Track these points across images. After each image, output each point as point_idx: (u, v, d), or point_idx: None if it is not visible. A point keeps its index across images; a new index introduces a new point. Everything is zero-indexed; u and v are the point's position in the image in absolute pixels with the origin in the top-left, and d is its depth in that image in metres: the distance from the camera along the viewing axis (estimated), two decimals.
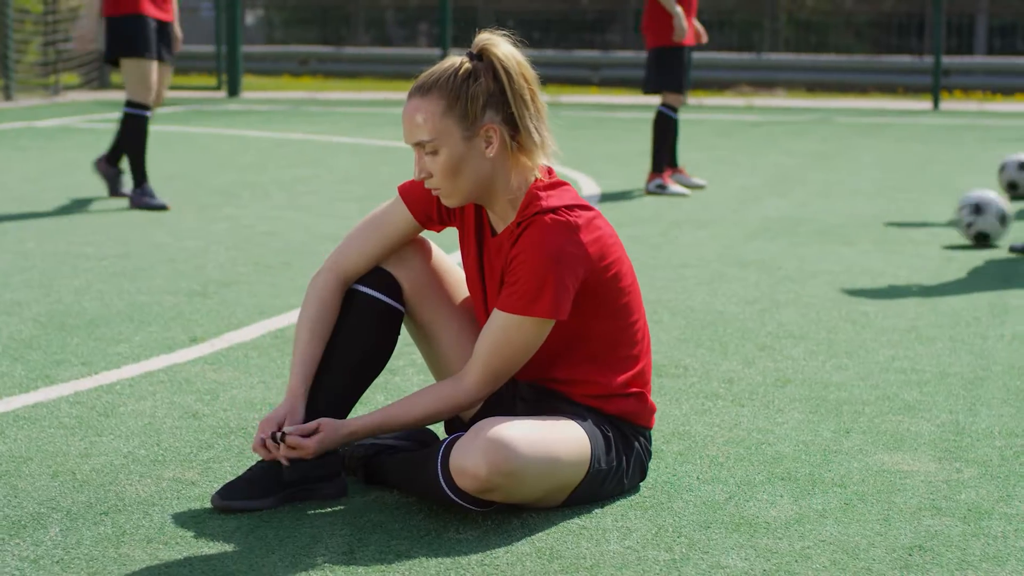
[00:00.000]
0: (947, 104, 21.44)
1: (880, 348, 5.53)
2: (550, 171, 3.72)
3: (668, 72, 10.47)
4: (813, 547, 3.42)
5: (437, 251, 3.87)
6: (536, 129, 3.64)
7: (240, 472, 3.91)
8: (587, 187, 10.74)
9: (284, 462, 3.65)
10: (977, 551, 3.40)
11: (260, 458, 3.70)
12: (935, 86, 21.09)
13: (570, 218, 3.59)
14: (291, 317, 5.99)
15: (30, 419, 4.46)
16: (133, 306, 6.20)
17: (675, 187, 10.60)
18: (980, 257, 7.73)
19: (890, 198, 10.35)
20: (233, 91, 22.15)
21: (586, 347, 3.69)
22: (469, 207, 3.80)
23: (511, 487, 3.46)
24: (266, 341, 5.58)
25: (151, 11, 9.34)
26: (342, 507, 3.68)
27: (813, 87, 26.18)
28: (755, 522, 3.58)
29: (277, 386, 4.89)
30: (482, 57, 3.64)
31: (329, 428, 3.65)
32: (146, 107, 9.38)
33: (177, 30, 9.63)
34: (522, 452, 3.45)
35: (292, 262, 7.35)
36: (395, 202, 3.84)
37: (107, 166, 9.80)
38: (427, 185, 3.67)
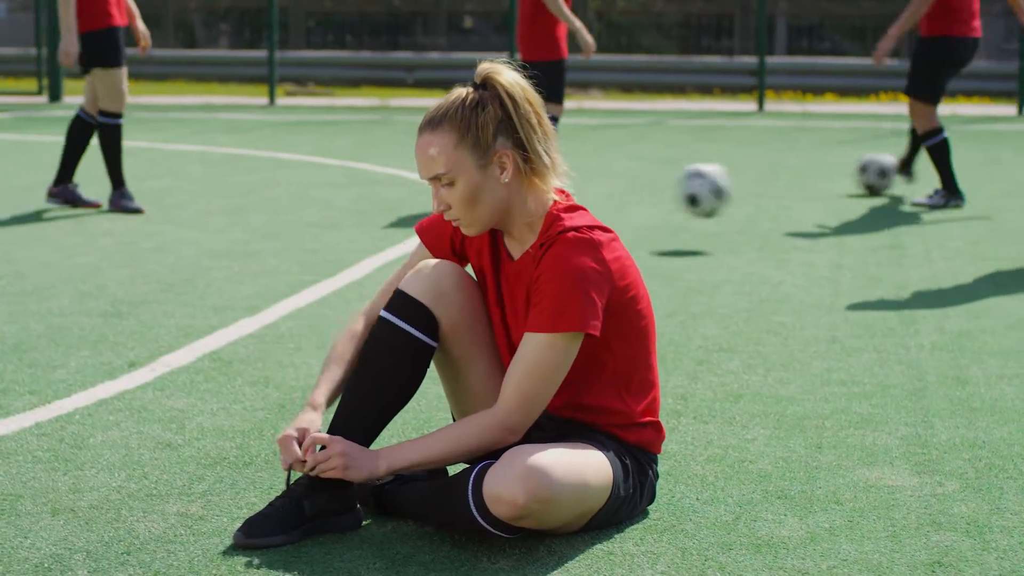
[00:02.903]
0: (770, 105, 21.87)
1: (811, 360, 5.68)
2: (566, 194, 3.78)
3: (554, 84, 10.43)
4: (839, 566, 3.52)
5: (475, 287, 3.88)
6: (546, 151, 3.70)
7: (243, 505, 3.91)
8: None
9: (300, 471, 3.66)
10: (994, 566, 3.53)
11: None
12: (760, 87, 21.53)
13: (592, 236, 3.66)
14: (219, 339, 5.95)
15: (2, 453, 4.38)
16: (52, 329, 6.10)
17: None
18: (870, 263, 7.95)
19: (756, 205, 10.56)
20: (55, 96, 21.69)
21: (609, 371, 3.75)
22: (482, 236, 3.84)
23: (545, 514, 3.51)
24: (205, 364, 5.54)
25: (119, 21, 9.72)
26: (364, 539, 3.69)
27: (629, 87, 26.51)
28: (772, 542, 3.68)
29: (238, 411, 4.86)
30: (486, 86, 3.69)
31: (365, 464, 3.65)
32: (119, 115, 9.74)
33: (139, 25, 10.09)
34: (557, 479, 3.50)
35: (193, 279, 7.29)
36: (418, 246, 3.93)
37: (56, 188, 9.94)
38: (446, 217, 3.71)
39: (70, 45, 9.40)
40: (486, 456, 3.71)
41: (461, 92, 3.70)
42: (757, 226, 9.45)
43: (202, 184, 11.62)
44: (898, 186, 11.55)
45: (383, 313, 3.80)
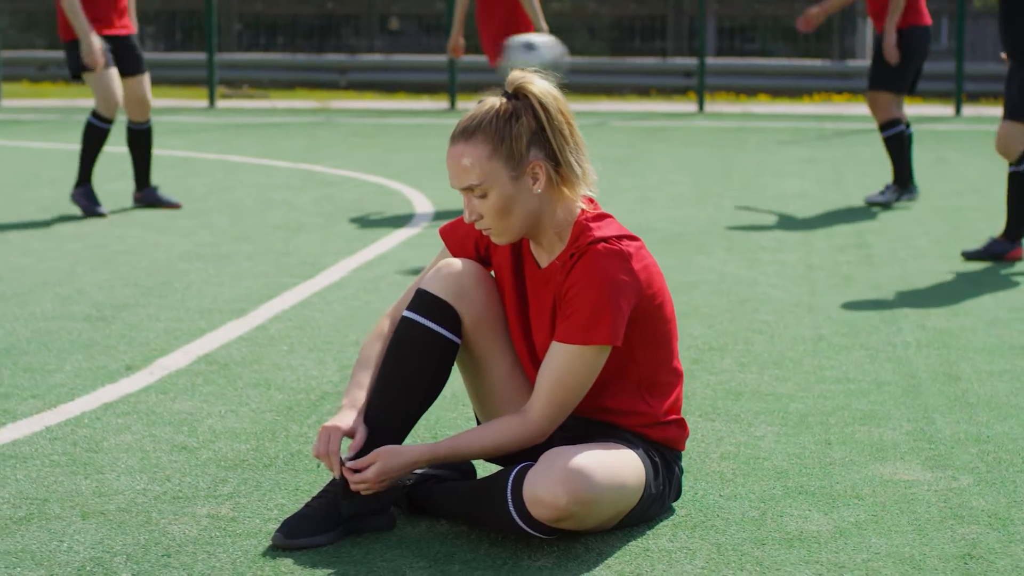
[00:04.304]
0: (707, 106, 22.01)
1: (802, 358, 5.75)
2: (593, 202, 3.82)
3: None
4: (872, 560, 3.58)
5: (494, 286, 3.92)
6: (577, 162, 3.74)
7: (272, 507, 3.94)
8: (421, 205, 10.77)
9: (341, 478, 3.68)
10: (1023, 557, 3.60)
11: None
12: (700, 88, 21.66)
13: (621, 247, 3.70)
14: (210, 342, 5.95)
15: (18, 457, 4.38)
16: (39, 333, 6.08)
17: None
18: (840, 262, 8.04)
19: (715, 204, 10.64)
20: None
21: (633, 374, 3.80)
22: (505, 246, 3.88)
23: (586, 515, 3.56)
24: (202, 367, 5.54)
25: (99, 30, 9.75)
26: (401, 539, 3.72)
27: (564, 89, 26.57)
28: (803, 537, 3.74)
29: (246, 414, 4.88)
30: (518, 95, 3.71)
31: (388, 457, 3.68)
32: (108, 120, 9.83)
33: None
34: (598, 481, 3.55)
35: (170, 282, 7.27)
36: (442, 249, 3.98)
37: (140, 193, 10.35)
38: (478, 226, 3.74)
39: (90, 48, 9.55)
40: (519, 456, 3.75)
41: (494, 102, 3.72)
42: (720, 226, 9.52)
43: (160, 187, 11.54)
44: (851, 184, 11.68)
45: (406, 313, 3.83)
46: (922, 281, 7.47)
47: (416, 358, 3.76)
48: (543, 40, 8.67)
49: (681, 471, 3.95)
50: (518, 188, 3.69)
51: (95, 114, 9.86)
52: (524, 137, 3.68)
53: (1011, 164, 8.00)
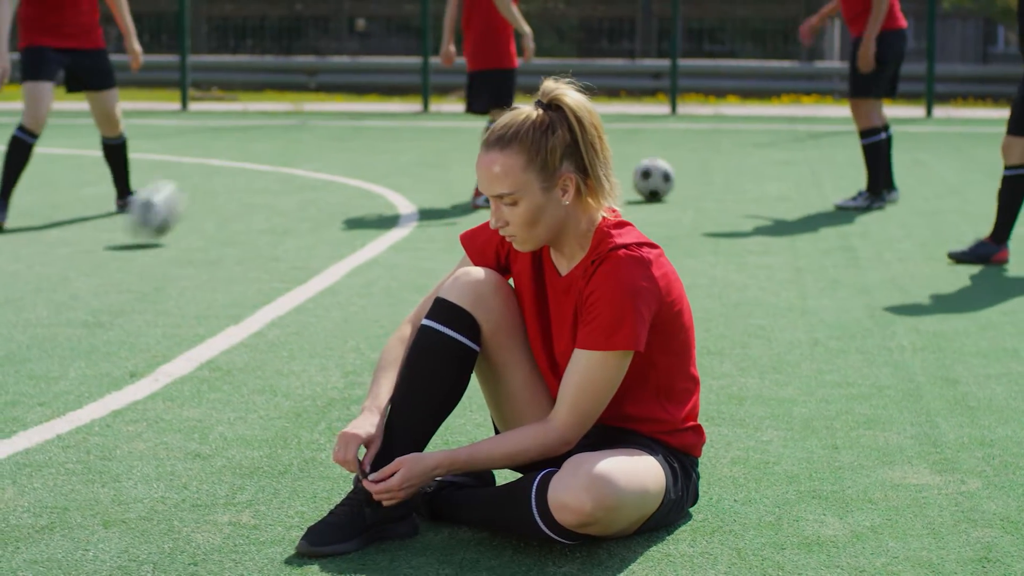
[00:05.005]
0: (681, 108, 22.09)
1: (800, 362, 5.80)
2: (614, 211, 3.86)
3: (506, 92, 10.58)
4: (892, 564, 3.63)
5: (512, 293, 3.95)
6: (605, 176, 3.78)
7: (292, 514, 3.96)
8: (404, 209, 10.80)
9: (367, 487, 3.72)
10: None
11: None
12: (672, 90, 21.73)
13: (642, 254, 3.74)
14: (210, 348, 5.97)
15: (33, 466, 4.39)
16: (38, 340, 6.09)
17: None
18: (827, 265, 8.11)
19: (696, 208, 10.71)
20: None
21: (653, 381, 3.84)
22: (525, 253, 3.91)
23: (611, 521, 3.60)
24: (205, 374, 5.56)
25: (47, 42, 9.68)
26: (425, 546, 3.75)
27: (533, 91, 26.61)
28: (821, 541, 3.78)
29: (255, 421, 4.90)
30: (552, 106, 3.74)
31: (411, 465, 3.71)
32: (32, 134, 9.58)
33: (134, 45, 10.14)
34: (622, 487, 3.59)
35: (163, 288, 7.28)
36: (462, 257, 4.02)
37: (122, 200, 10.14)
38: (503, 233, 3.77)
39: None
40: (541, 463, 3.79)
41: (531, 113, 3.75)
42: (704, 229, 9.58)
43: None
44: (829, 187, 11.76)
45: (425, 321, 3.86)
46: (910, 284, 7.53)
47: (436, 366, 3.80)
48: (162, 196, 8.84)
49: (698, 476, 4.00)
50: (548, 199, 3.73)
51: (21, 127, 9.62)
52: (559, 150, 3.72)
53: (1006, 167, 8.07)
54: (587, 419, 3.74)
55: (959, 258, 8.14)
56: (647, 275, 3.72)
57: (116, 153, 10.16)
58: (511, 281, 4.00)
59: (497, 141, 3.72)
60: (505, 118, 3.75)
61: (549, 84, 3.77)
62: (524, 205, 3.72)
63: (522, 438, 3.75)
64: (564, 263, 3.86)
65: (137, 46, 10.18)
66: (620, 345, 3.68)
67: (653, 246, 3.81)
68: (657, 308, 3.74)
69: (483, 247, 3.99)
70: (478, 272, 3.90)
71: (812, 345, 6.11)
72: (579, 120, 3.73)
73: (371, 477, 3.70)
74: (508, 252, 3.98)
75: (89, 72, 9.82)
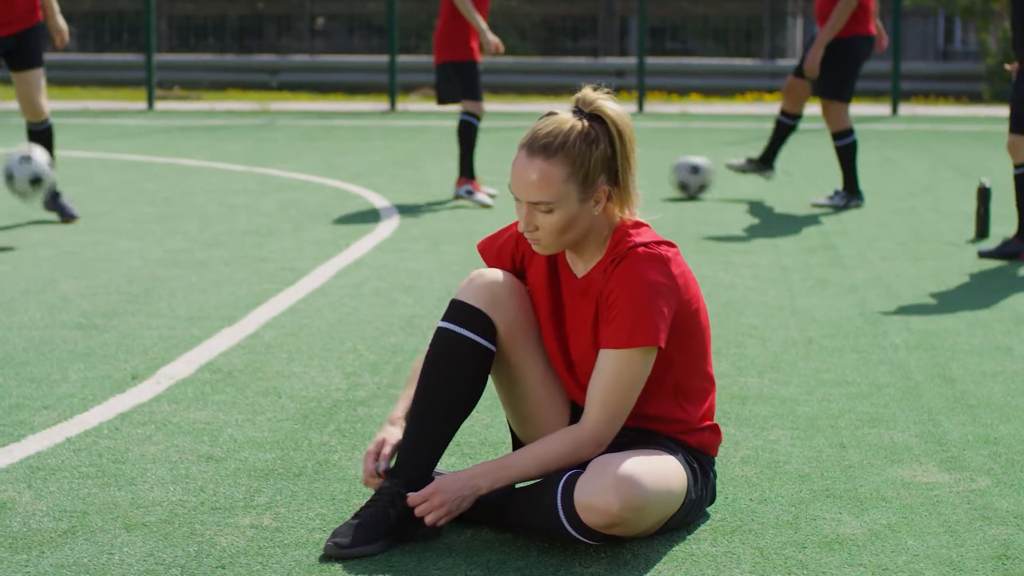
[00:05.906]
0: (648, 106, 22.14)
1: (797, 361, 5.85)
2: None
3: (469, 83, 10.71)
4: (913, 561, 3.68)
5: (526, 294, 3.98)
6: (634, 187, 3.81)
7: (313, 516, 3.99)
8: (384, 208, 10.80)
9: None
10: None
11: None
12: (640, 88, 21.77)
13: (660, 252, 3.78)
14: (208, 350, 5.98)
15: (46, 470, 4.39)
16: (34, 342, 6.08)
17: (481, 195, 10.80)
18: (812, 264, 8.16)
19: (676, 207, 10.75)
20: None
21: (670, 381, 3.87)
22: (540, 256, 3.94)
23: (636, 521, 3.63)
24: (206, 376, 5.56)
25: None
26: (450, 547, 3.77)
27: (496, 89, 26.64)
28: (840, 540, 3.82)
29: (264, 423, 4.91)
30: (595, 117, 3.76)
31: (451, 492, 3.74)
32: None
33: (58, 22, 9.50)
34: (648, 487, 3.62)
35: (153, 290, 7.28)
36: (481, 265, 4.01)
37: (52, 202, 9.75)
38: (528, 236, 3.79)
39: None
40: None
41: (576, 123, 3.74)
42: (686, 228, 9.62)
43: (117, 192, 11.54)
44: (803, 185, 11.83)
45: (442, 323, 3.89)
46: (896, 283, 7.59)
47: (453, 367, 3.83)
48: (39, 153, 9.05)
49: (715, 476, 4.03)
50: (582, 209, 3.76)
51: None
52: (600, 164, 3.75)
53: (1016, 166, 8.19)
54: (617, 419, 3.77)
55: (987, 256, 8.31)
56: (666, 272, 3.76)
57: (42, 141, 9.63)
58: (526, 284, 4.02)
59: (543, 149, 3.72)
60: (549, 124, 3.74)
61: (589, 93, 3.78)
62: (559, 214, 3.74)
63: (554, 443, 3.77)
64: (581, 265, 3.89)
65: (62, 23, 9.53)
66: (642, 342, 3.71)
67: (671, 245, 3.85)
68: (676, 306, 3.78)
69: (499, 253, 4.03)
70: (494, 274, 3.93)
71: (806, 344, 6.16)
72: (620, 133, 3.76)
73: (410, 501, 3.74)
74: (523, 257, 4.00)
75: (14, 51, 9.39)
